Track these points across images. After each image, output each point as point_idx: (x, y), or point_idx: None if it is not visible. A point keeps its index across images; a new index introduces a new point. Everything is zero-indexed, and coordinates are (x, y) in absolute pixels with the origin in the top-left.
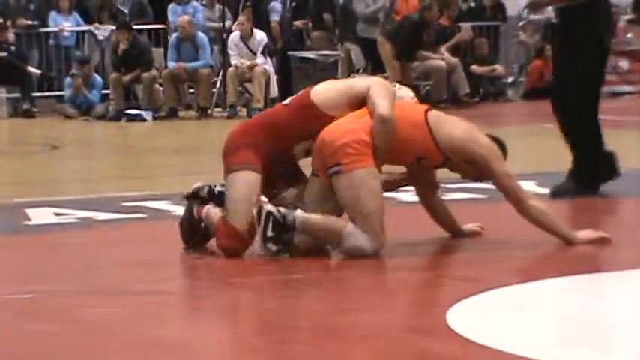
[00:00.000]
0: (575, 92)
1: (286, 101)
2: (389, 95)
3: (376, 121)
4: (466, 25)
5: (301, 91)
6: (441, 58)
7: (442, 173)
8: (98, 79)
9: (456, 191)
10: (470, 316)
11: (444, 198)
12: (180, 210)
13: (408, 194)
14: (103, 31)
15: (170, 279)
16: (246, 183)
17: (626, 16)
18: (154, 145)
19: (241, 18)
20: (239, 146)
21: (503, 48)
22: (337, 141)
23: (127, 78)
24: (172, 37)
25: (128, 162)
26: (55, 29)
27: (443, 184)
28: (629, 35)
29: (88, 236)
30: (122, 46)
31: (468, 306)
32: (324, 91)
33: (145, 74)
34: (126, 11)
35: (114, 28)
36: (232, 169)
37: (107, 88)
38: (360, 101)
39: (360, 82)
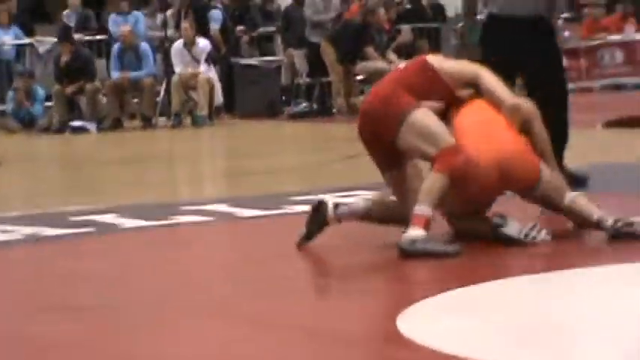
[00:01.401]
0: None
1: (402, 65)
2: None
3: (509, 110)
4: (406, 28)
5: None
6: (389, 62)
7: None
8: (40, 91)
9: None
10: (421, 321)
11: None
12: (128, 222)
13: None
14: (45, 43)
15: (122, 293)
16: (428, 115)
17: (563, 15)
18: (99, 157)
19: (185, 25)
20: (392, 96)
21: (444, 49)
22: None
23: (70, 90)
24: (115, 47)
25: (73, 175)
26: None
27: None
28: (566, 33)
29: (35, 252)
30: (64, 58)
31: (419, 310)
32: (440, 60)
33: (88, 86)
34: (72, 25)
35: (55, 40)
36: (405, 112)
37: (50, 101)
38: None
39: (469, 67)
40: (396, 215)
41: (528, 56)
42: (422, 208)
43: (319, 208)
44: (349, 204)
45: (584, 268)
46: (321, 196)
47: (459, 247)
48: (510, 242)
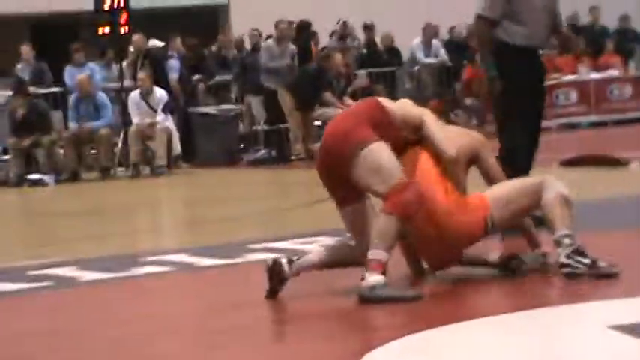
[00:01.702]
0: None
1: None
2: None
3: (448, 162)
4: (362, 72)
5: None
6: (347, 107)
7: None
8: None
9: None
10: None
11: None
12: (88, 275)
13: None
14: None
15: (85, 345)
16: (382, 149)
17: None
18: (58, 210)
19: (141, 75)
20: (352, 129)
21: (400, 92)
22: None
23: (26, 143)
24: (72, 98)
25: (31, 229)
26: None
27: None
28: None
29: None
30: (20, 111)
31: (382, 354)
32: (389, 101)
33: (45, 139)
34: (26, 78)
35: (10, 94)
36: (361, 144)
37: (6, 154)
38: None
39: (415, 109)
40: (351, 257)
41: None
42: (377, 252)
43: (274, 267)
44: (303, 257)
45: (553, 307)
46: (273, 256)
47: (419, 291)
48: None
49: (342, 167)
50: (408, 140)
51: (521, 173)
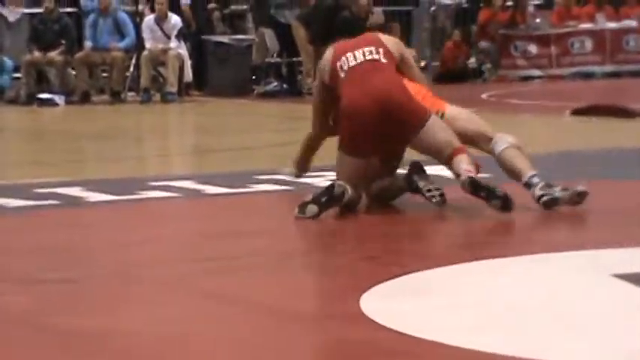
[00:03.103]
0: None
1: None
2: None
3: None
4: (378, 10)
5: None
6: None
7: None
8: (9, 62)
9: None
10: (384, 302)
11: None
12: (93, 196)
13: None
14: (14, 13)
15: (80, 267)
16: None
17: (535, 1)
18: (66, 130)
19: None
20: (408, 99)
21: (416, 32)
22: None
23: (40, 59)
24: (90, 17)
25: (40, 147)
26: None
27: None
28: (537, 20)
29: None
30: (47, 5)
31: (383, 291)
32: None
33: (58, 57)
34: None
35: (24, 10)
36: (427, 117)
37: (18, 72)
38: None
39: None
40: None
41: None
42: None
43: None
44: None
45: (545, 254)
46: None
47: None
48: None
49: (403, 130)
50: None
51: None
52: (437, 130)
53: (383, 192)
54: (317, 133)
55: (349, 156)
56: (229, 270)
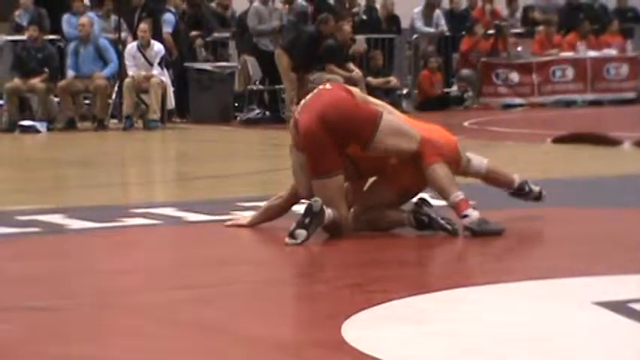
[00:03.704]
0: None
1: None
2: None
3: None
4: (360, 38)
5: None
6: (350, 72)
7: None
8: None
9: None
10: (366, 329)
11: None
12: (75, 223)
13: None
14: None
15: (66, 295)
16: (390, 116)
17: (516, 30)
18: (48, 158)
19: (142, 26)
20: (354, 106)
21: (397, 60)
22: None
23: (23, 85)
24: (71, 45)
25: (21, 175)
26: None
27: None
28: (519, 48)
29: None
30: (31, 33)
31: (365, 318)
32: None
33: (40, 85)
34: (24, 24)
35: (7, 38)
36: (377, 120)
37: (0, 99)
38: None
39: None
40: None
41: None
42: (457, 194)
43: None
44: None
45: (529, 282)
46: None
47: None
48: (428, 224)
49: (357, 140)
50: None
51: None
52: (392, 130)
53: (371, 223)
54: (305, 195)
55: (320, 179)
56: (211, 298)
